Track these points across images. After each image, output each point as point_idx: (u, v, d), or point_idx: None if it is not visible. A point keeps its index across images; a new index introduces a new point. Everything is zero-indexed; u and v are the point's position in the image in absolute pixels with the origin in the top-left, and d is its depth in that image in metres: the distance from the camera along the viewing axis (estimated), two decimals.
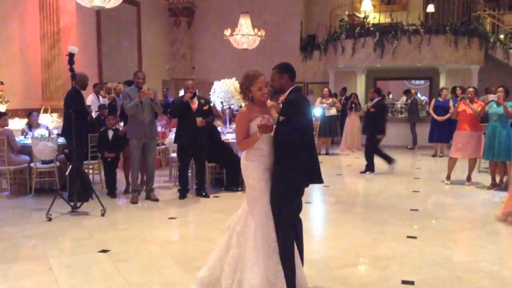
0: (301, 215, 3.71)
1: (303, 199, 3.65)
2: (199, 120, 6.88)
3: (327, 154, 12.07)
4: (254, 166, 3.47)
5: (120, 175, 7.57)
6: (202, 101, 7.07)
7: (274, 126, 3.40)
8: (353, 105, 12.72)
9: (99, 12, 13.03)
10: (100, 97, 10.88)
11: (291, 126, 3.38)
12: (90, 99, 10.54)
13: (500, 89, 7.44)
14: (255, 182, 3.47)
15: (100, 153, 7.45)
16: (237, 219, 3.57)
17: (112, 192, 7.24)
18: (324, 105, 12.01)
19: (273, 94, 3.84)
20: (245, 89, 3.51)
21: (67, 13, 11.73)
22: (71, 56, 5.88)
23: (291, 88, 3.53)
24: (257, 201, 3.46)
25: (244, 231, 3.47)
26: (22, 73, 11.37)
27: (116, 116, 7.87)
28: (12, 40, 11.16)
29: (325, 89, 12.67)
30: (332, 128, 12.22)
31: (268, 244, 3.39)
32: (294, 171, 3.41)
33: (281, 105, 3.54)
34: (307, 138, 3.47)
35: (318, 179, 3.59)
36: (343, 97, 13.85)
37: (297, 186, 3.48)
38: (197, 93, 7.14)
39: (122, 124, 7.78)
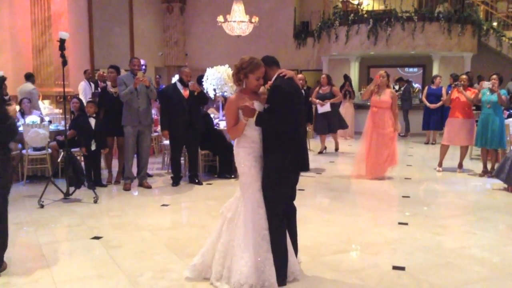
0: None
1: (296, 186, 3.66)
2: (191, 84, 6.97)
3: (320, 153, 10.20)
4: (246, 153, 3.47)
5: (113, 163, 7.50)
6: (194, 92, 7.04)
7: (257, 111, 3.38)
8: (347, 93, 12.69)
9: None
10: (92, 84, 10.74)
11: (273, 114, 3.38)
12: (82, 86, 10.41)
13: (494, 76, 7.46)
14: (246, 170, 3.47)
15: (83, 144, 6.80)
16: (229, 206, 3.59)
17: (98, 182, 6.93)
18: (317, 100, 9.94)
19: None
20: (243, 74, 3.45)
21: None
22: (62, 42, 5.81)
23: (276, 74, 3.52)
24: (248, 187, 3.46)
25: (235, 217, 3.48)
26: (13, 60, 11.22)
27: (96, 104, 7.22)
28: (2, 26, 10.99)
29: (323, 76, 10.49)
30: (333, 123, 10.21)
31: (258, 232, 3.40)
32: (280, 160, 3.41)
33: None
34: (292, 126, 3.43)
35: (304, 168, 3.61)
36: (345, 85, 12.72)
37: (284, 174, 3.47)
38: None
39: None
